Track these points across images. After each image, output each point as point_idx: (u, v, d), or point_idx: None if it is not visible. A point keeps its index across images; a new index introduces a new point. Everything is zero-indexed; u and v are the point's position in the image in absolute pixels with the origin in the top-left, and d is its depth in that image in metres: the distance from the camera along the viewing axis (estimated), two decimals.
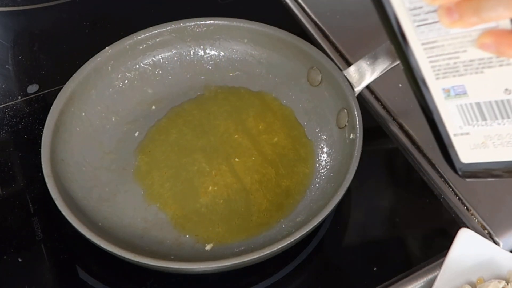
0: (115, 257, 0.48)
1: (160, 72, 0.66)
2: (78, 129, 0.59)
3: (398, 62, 0.56)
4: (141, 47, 0.64)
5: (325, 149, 0.60)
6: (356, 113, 0.56)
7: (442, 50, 0.36)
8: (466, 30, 0.35)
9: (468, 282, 0.50)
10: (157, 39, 0.65)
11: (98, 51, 0.62)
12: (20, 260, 0.54)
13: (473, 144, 0.40)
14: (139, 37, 0.64)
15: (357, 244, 0.56)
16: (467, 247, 0.51)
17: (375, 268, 0.53)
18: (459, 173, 0.42)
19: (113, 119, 0.62)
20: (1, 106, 0.66)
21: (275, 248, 0.47)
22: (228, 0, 0.79)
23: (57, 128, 0.56)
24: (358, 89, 0.58)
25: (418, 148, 0.62)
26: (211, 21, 0.66)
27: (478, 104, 0.38)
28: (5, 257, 0.54)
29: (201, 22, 0.66)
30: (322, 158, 0.60)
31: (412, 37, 0.36)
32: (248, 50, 0.67)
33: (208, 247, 0.54)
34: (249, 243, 0.54)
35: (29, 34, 0.75)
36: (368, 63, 0.58)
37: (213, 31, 0.66)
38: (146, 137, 0.62)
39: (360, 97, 0.65)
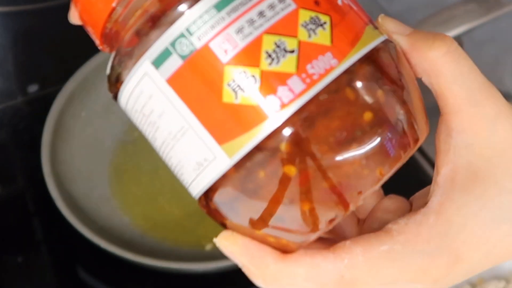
0: (115, 257, 0.48)
1: None
2: (78, 129, 0.59)
3: None
4: None
5: None
6: None
7: None
8: None
9: (468, 282, 0.50)
10: None
11: (98, 51, 0.62)
12: (20, 260, 0.54)
13: None
14: None
15: None
16: None
17: None
18: None
19: (113, 119, 0.62)
20: (1, 106, 0.66)
21: None
22: None
23: (57, 128, 0.56)
24: None
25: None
26: None
27: None
28: (5, 257, 0.54)
29: None
30: None
31: None
32: None
33: (208, 247, 0.54)
34: None
35: (29, 34, 0.75)
36: None
37: None
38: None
39: None
